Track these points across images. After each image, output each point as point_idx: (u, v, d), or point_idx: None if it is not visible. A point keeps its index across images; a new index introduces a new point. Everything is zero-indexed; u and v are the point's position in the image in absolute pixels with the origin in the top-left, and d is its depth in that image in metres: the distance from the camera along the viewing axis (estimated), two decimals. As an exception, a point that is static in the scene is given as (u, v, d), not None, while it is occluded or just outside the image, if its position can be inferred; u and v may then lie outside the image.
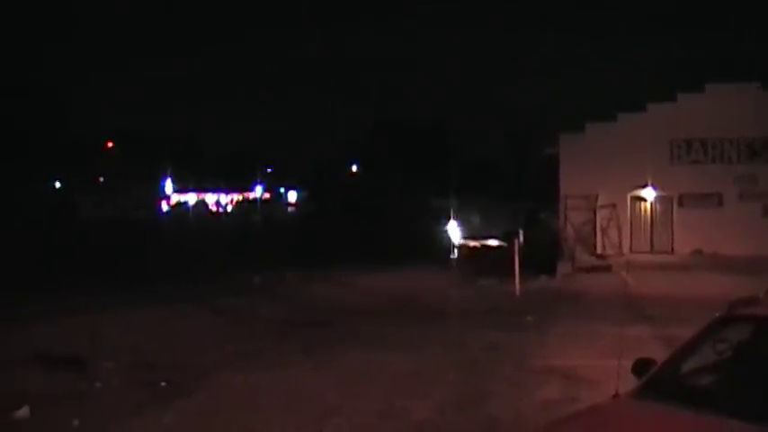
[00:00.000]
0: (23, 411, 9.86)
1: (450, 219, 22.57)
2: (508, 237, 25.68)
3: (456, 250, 16.20)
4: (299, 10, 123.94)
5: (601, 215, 34.10)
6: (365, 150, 70.35)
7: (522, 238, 25.71)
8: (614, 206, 33.89)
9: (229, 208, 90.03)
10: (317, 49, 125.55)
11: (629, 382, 5.77)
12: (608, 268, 29.01)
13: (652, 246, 34.05)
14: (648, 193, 33.73)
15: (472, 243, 28.71)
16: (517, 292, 21.61)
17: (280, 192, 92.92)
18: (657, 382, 5.59)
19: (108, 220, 51.47)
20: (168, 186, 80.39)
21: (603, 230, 34.06)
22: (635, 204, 34.34)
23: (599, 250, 33.70)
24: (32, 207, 48.00)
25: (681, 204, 33.64)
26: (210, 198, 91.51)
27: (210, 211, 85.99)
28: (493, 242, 30.30)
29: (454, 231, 16.30)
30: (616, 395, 5.63)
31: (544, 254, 29.29)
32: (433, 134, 60.50)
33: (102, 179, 74.00)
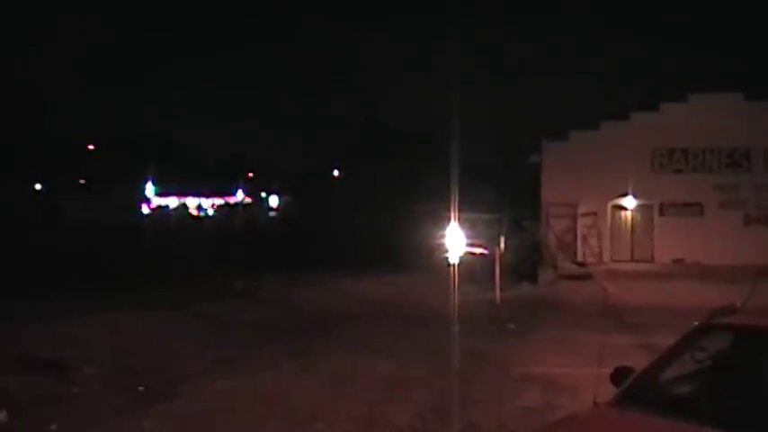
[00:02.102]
0: (1, 415, 9.80)
1: (447, 224, 22.56)
2: (491, 244, 25.74)
3: (456, 257, 16.13)
4: (291, 13, 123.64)
5: (582, 223, 34.23)
6: (349, 155, 70.26)
7: (503, 246, 25.77)
8: (595, 214, 34.03)
9: (210, 212, 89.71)
10: (304, 51, 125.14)
11: (609, 390, 5.80)
12: (589, 276, 29.14)
13: (633, 254, 34.21)
14: (629, 202, 33.89)
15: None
16: (499, 300, 21.67)
17: (261, 196, 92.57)
18: (636, 391, 5.62)
19: (90, 223, 51.15)
20: (149, 189, 79.99)
21: (584, 239, 34.20)
22: (616, 213, 34.51)
23: (580, 258, 33.83)
24: (15, 209, 47.68)
25: (662, 213, 33.82)
26: (192, 202, 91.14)
27: (192, 214, 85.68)
28: (476, 249, 30.37)
29: (454, 238, 16.18)
30: (595, 403, 5.65)
31: (526, 261, 29.38)
32: (418, 139, 60.48)
33: (83, 181, 73.58)
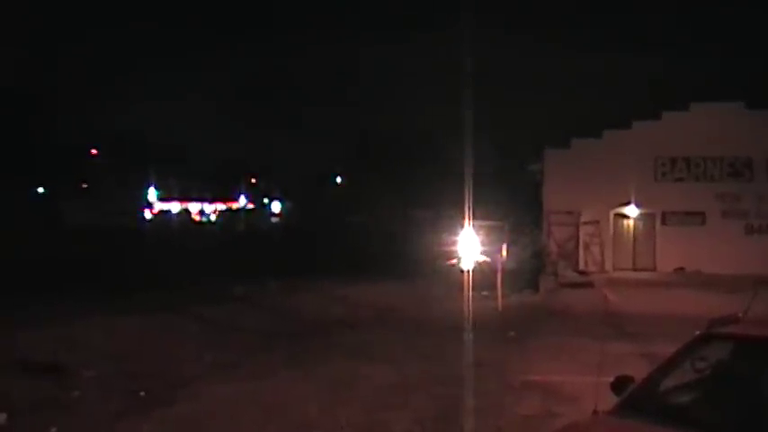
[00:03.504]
0: (1, 418, 9.79)
1: (451, 231, 22.43)
2: (492, 251, 25.71)
3: (469, 264, 16.07)
4: (289, 18, 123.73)
5: (584, 231, 34.22)
6: (351, 161, 70.29)
7: (505, 253, 25.74)
8: (597, 223, 34.01)
9: (213, 217, 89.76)
10: (306, 57, 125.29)
11: (609, 399, 5.78)
12: (590, 284, 29.09)
13: (634, 263, 34.20)
14: (632, 211, 33.89)
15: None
16: (500, 307, 21.63)
17: (264, 202, 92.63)
18: (636, 400, 5.60)
19: (92, 227, 51.17)
20: (152, 194, 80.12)
21: (586, 247, 34.17)
22: (618, 221, 34.49)
23: (582, 266, 33.82)
24: (16, 212, 47.68)
25: (664, 222, 33.82)
26: (194, 207, 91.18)
27: (194, 219, 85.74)
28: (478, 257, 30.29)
29: (469, 245, 16.08)
30: (595, 412, 5.63)
31: (527, 269, 29.34)
32: (419, 146, 60.45)
33: (85, 186, 73.61)
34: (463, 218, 17.34)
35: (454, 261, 25.88)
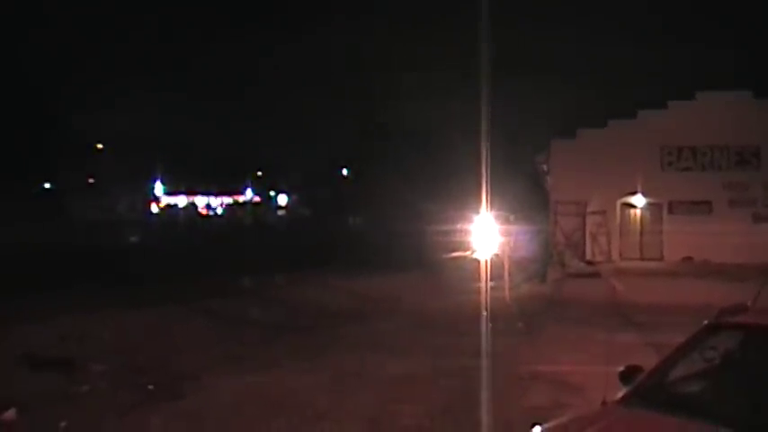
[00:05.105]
0: (10, 413, 9.81)
1: (461, 223, 22.29)
2: (500, 242, 25.72)
3: (485, 254, 15.95)
4: (295, 12, 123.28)
5: (591, 221, 34.16)
6: (358, 154, 70.28)
7: (512, 244, 25.72)
8: (604, 213, 33.95)
9: (219, 210, 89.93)
10: (310, 50, 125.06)
11: (618, 389, 5.77)
12: (597, 274, 29.05)
13: (642, 253, 34.14)
14: (638, 200, 33.83)
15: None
16: (507, 298, 21.60)
17: (270, 195, 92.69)
18: (645, 390, 5.60)
19: (98, 222, 51.35)
20: (158, 188, 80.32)
21: (593, 237, 34.12)
22: (625, 211, 34.43)
23: (588, 257, 33.77)
24: (23, 208, 47.80)
25: (671, 211, 33.74)
26: (201, 201, 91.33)
27: (200, 213, 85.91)
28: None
29: (486, 235, 15.92)
30: (604, 402, 5.63)
31: (535, 260, 29.32)
32: (427, 138, 60.39)
33: (92, 181, 73.77)
34: (476, 208, 17.30)
35: (461, 253, 25.84)
